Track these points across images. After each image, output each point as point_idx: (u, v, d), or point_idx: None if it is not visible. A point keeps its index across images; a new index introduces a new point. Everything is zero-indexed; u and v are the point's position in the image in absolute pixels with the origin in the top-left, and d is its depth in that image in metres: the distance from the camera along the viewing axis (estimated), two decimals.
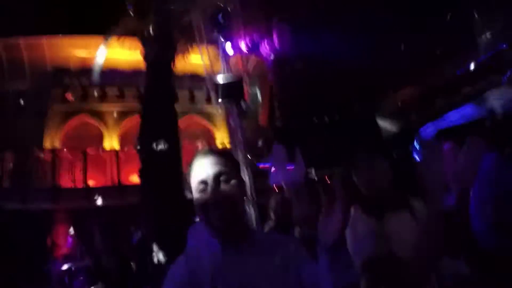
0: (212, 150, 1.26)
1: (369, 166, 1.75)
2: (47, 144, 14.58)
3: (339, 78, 10.43)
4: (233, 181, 1.17)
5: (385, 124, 11.48)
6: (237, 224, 1.17)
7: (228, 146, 13.30)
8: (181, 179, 6.40)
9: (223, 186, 1.14)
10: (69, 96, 15.32)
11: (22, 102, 15.41)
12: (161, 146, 6.23)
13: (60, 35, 15.35)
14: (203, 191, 1.15)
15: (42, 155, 13.24)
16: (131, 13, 7.58)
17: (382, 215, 1.70)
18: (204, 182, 1.15)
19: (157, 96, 6.65)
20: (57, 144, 14.71)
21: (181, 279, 1.16)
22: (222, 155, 1.21)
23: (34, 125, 14.83)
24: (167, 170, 6.20)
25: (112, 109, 15.46)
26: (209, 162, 1.17)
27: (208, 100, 16.00)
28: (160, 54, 6.85)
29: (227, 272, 1.14)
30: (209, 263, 1.16)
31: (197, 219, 1.25)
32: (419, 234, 1.53)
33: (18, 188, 11.55)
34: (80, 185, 12.17)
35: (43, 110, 15.04)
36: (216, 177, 1.15)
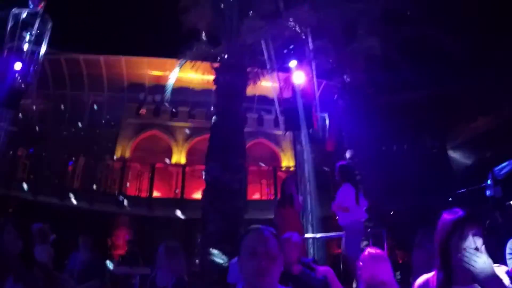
0: (268, 230, 1.64)
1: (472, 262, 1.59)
2: (118, 153, 15.88)
3: (410, 107, 9.96)
4: (276, 258, 1.57)
5: (456, 156, 10.59)
6: (265, 282, 1.57)
7: (292, 169, 13.22)
8: (243, 202, 6.46)
9: (267, 260, 1.55)
10: (143, 111, 16.65)
11: (98, 113, 17.09)
12: (227, 169, 6.37)
13: (138, 56, 16.80)
14: (252, 256, 1.56)
15: (112, 163, 14.38)
16: (204, 39, 8.07)
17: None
18: (255, 252, 1.56)
19: (226, 118, 6.89)
20: (127, 154, 15.94)
21: None
22: (274, 237, 1.63)
23: (107, 135, 16.32)
24: (230, 193, 6.32)
25: (182, 126, 16.38)
26: (264, 240, 1.60)
27: (276, 123, 16.24)
28: (231, 79, 7.15)
29: None
30: None
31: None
32: None
33: (87, 190, 12.55)
34: (144, 194, 12.89)
35: (117, 121, 16.52)
36: (266, 254, 1.56)
